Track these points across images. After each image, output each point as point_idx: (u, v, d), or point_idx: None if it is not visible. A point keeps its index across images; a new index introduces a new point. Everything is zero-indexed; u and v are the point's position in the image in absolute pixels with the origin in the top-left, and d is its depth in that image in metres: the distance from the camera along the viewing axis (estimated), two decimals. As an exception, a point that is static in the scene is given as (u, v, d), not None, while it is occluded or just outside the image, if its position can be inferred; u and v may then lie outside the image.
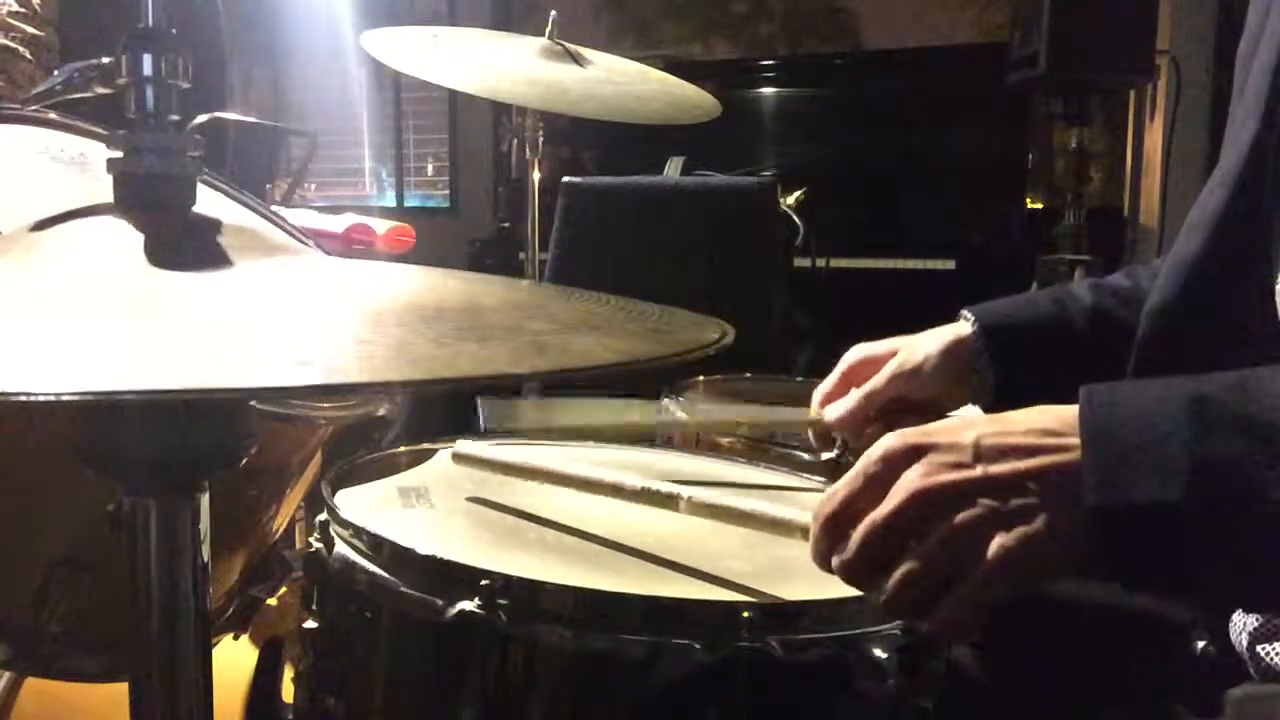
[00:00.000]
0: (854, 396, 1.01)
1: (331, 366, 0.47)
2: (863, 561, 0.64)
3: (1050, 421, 0.63)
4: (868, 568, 0.64)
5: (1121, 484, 0.59)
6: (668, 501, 0.83)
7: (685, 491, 0.83)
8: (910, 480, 0.63)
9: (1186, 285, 0.85)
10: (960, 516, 0.61)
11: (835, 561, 0.66)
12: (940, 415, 1.00)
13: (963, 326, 1.01)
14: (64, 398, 0.42)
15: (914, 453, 0.64)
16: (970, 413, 1.02)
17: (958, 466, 0.62)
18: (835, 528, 0.65)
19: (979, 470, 0.62)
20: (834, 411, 1.02)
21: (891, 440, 0.65)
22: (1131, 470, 0.59)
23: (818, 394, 1.05)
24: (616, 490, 0.86)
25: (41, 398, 0.41)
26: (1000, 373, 0.98)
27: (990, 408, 0.99)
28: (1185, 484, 0.57)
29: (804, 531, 0.74)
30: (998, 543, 0.60)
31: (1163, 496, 0.58)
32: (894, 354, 1.01)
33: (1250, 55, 0.84)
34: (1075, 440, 0.61)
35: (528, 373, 0.48)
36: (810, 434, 1.08)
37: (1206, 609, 0.82)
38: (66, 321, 0.50)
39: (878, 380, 1.00)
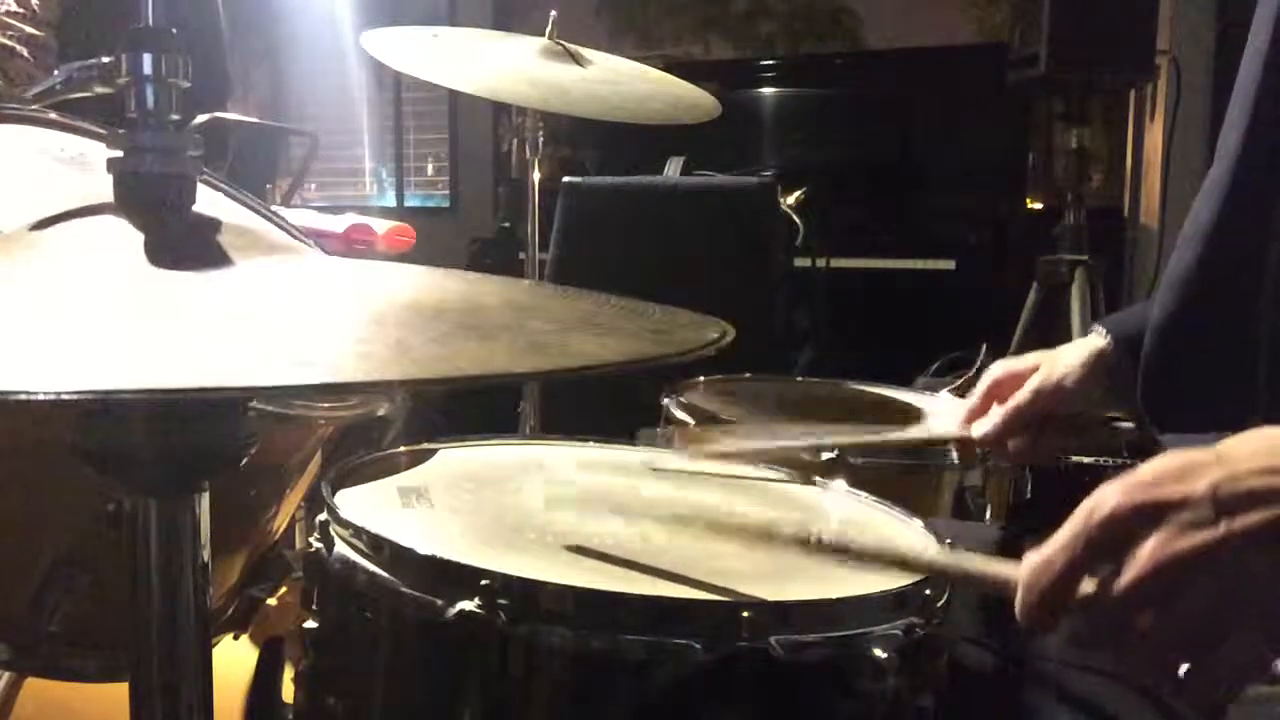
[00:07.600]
0: (999, 413, 1.03)
1: (332, 366, 0.47)
2: (1097, 635, 0.60)
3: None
4: (1103, 640, 0.60)
5: None
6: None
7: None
8: (1150, 549, 0.57)
9: (1184, 300, 0.85)
10: (1213, 586, 0.56)
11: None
12: (1083, 425, 1.04)
13: (1097, 340, 1.02)
14: (63, 397, 0.42)
15: (1145, 513, 0.58)
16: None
17: (1198, 526, 0.56)
18: (1055, 598, 0.60)
19: (1223, 529, 0.56)
20: (980, 428, 1.04)
21: (1114, 500, 0.59)
22: None
23: (964, 411, 1.07)
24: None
25: (41, 397, 0.41)
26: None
27: (1133, 416, 1.00)
28: None
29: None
30: (1258, 611, 0.56)
31: None
32: (1035, 369, 1.03)
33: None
34: None
35: (527, 372, 0.48)
36: (954, 451, 1.12)
37: None
38: (66, 321, 0.50)
39: (1021, 395, 1.02)
